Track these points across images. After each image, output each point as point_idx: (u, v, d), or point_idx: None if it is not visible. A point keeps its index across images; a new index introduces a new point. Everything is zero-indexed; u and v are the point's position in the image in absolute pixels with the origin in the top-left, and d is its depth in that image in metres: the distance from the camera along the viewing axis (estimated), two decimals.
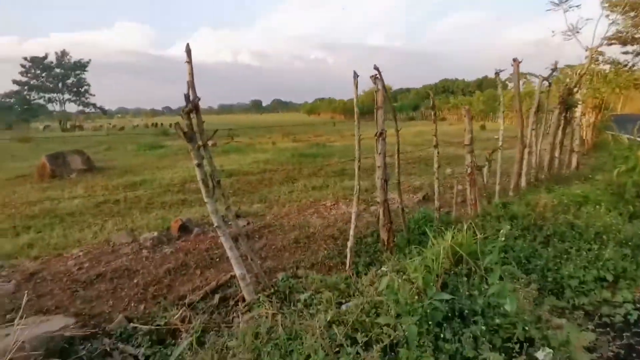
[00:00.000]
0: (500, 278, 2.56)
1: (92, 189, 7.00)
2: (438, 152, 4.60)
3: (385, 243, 4.07)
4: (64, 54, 49.23)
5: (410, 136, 16.55)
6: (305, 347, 2.21)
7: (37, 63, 47.33)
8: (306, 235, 4.31)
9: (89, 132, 36.40)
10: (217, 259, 3.72)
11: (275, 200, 5.95)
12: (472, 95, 45.14)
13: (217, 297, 3.14)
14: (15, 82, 47.00)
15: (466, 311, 2.54)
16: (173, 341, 2.58)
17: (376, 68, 4.16)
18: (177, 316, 2.79)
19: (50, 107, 50.91)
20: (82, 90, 50.96)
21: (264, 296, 3.12)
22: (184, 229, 4.26)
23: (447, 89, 73.01)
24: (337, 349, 2.24)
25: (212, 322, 2.78)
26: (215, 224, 3.07)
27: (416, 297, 2.46)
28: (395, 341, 2.29)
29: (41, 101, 49.35)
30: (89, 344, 2.56)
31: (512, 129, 6.82)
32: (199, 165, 2.94)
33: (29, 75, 47.37)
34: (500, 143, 5.68)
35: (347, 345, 2.22)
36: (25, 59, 47.17)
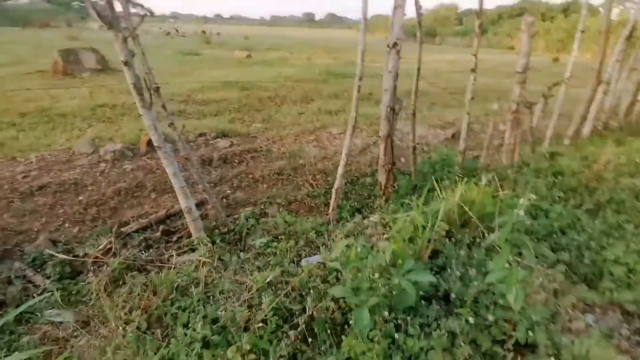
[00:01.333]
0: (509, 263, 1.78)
1: (97, 90, 6.60)
2: (474, 79, 3.51)
3: (382, 187, 3.32)
4: None
5: (462, 63, 14.45)
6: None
7: None
8: (293, 167, 3.65)
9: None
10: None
11: (279, 122, 5.22)
12: (552, 21, 38.53)
13: (160, 228, 2.67)
14: None
15: (453, 296, 1.85)
16: (87, 277, 2.16)
17: None
18: (100, 247, 2.35)
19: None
20: None
21: (212, 236, 2.61)
22: (152, 144, 3.72)
23: (523, 12, 63.22)
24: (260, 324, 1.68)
25: (139, 259, 2.32)
26: (155, 143, 2.44)
27: (383, 270, 1.77)
28: (343, 323, 1.70)
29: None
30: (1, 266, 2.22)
31: (590, 65, 5.28)
32: (127, 64, 2.22)
33: None
34: (567, 75, 4.36)
35: (272, 322, 1.65)
36: None
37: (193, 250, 2.48)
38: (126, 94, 6.48)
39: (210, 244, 2.42)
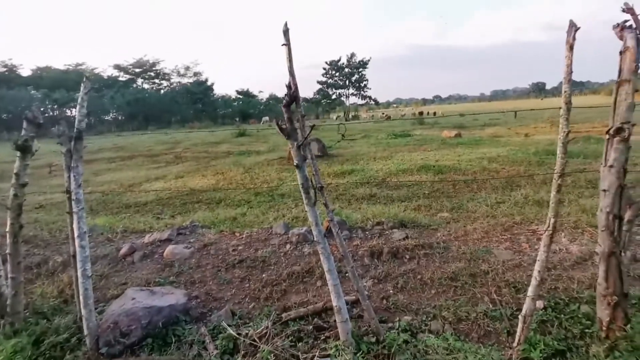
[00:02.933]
0: None
1: (310, 174, 7.86)
2: None
3: (603, 326, 2.25)
4: (352, 55, 59.09)
5: None
6: None
7: (333, 65, 59.23)
8: (473, 272, 3.05)
9: (358, 122, 42.35)
10: (346, 274, 3.19)
11: (469, 212, 4.64)
12: None
13: (314, 321, 2.67)
14: (318, 82, 61.08)
15: None
16: (240, 357, 2.35)
17: (629, 9, 2.28)
18: (258, 330, 2.54)
19: (338, 100, 62.90)
20: (362, 85, 59.72)
21: (360, 343, 2.39)
22: (331, 231, 3.94)
23: None
24: None
25: (286, 351, 2.36)
26: (315, 238, 2.56)
27: None
28: None
29: (334, 96, 61.80)
30: (194, 327, 2.72)
31: None
32: (299, 167, 2.51)
33: (327, 75, 60.14)
34: None
35: None
36: (326, 62, 59.94)
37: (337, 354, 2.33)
38: (333, 177, 7.43)
39: (351, 355, 2.22)
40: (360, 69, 59.23)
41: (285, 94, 2.44)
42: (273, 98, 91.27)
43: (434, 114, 50.41)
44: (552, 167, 6.52)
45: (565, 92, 2.43)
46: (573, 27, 2.38)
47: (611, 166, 2.19)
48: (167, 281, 3.35)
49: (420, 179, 6.62)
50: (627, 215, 2.44)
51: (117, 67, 72.33)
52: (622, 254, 2.29)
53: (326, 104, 64.97)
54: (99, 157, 15.75)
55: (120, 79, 73.51)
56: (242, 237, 4.14)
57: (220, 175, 8.65)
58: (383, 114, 58.27)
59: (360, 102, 63.81)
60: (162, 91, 76.69)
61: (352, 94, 60.90)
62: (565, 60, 2.34)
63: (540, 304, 2.65)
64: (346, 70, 59.23)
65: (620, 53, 2.23)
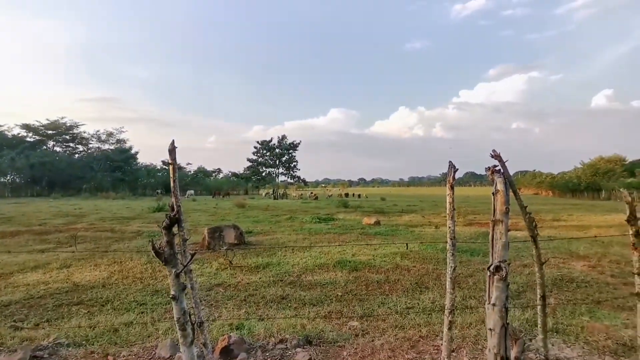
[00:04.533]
0: None
1: (221, 266, 7.29)
2: None
3: None
4: (283, 137, 61.92)
5: None
6: None
7: (264, 145, 61.13)
8: None
9: (288, 201, 42.75)
10: None
11: (379, 321, 4.49)
12: None
13: None
14: (249, 159, 61.98)
15: None
16: None
17: (496, 156, 2.58)
18: None
19: (268, 178, 63.78)
20: (292, 165, 61.83)
21: None
22: (229, 352, 3.45)
23: None
24: None
25: None
26: None
27: None
28: None
29: (264, 174, 62.65)
30: None
31: None
32: (175, 299, 2.16)
33: (258, 154, 61.52)
34: None
35: None
36: (258, 142, 61.74)
37: None
38: (246, 272, 6.94)
39: None
40: (291, 150, 61.80)
41: (167, 215, 2.19)
42: (201, 171, 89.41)
43: (359, 195, 53.34)
44: (459, 265, 6.79)
45: (449, 228, 2.54)
46: (452, 168, 2.59)
47: (494, 304, 2.23)
48: None
49: (335, 277, 6.46)
50: (513, 352, 2.47)
51: (26, 126, 66.07)
52: None
53: (256, 180, 65.38)
54: None
55: (28, 139, 66.78)
56: (120, 357, 3.40)
57: (116, 265, 7.58)
58: (312, 193, 60.02)
59: (290, 180, 65.38)
60: (76, 156, 70.80)
61: (282, 173, 62.44)
62: (447, 198, 2.49)
63: None
64: (277, 150, 61.36)
65: (493, 194, 2.44)
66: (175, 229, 2.23)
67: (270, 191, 60.34)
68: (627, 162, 56.57)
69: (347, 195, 53.63)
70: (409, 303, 5.11)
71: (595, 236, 8.99)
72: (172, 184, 2.29)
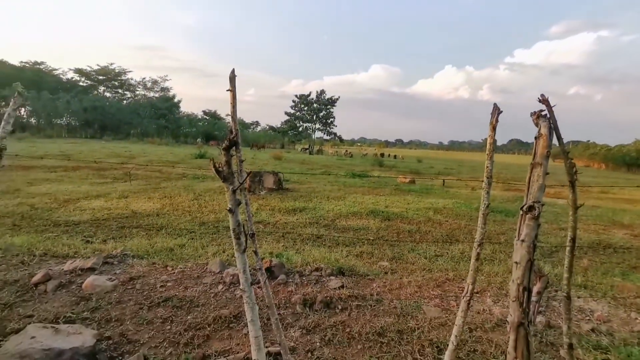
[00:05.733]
0: None
1: (262, 207, 7.77)
2: None
3: None
4: (322, 92, 60.93)
5: None
6: None
7: (303, 100, 60.66)
8: (400, 329, 3.08)
9: (323, 157, 43.03)
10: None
11: (408, 263, 4.76)
12: None
13: None
14: (286, 113, 62.05)
15: None
16: None
17: (544, 100, 2.57)
18: None
19: (305, 133, 63.97)
20: (329, 121, 61.32)
21: None
22: (270, 272, 3.88)
23: None
24: None
25: None
26: (241, 286, 2.48)
27: None
28: None
29: (301, 129, 62.81)
30: None
31: None
32: (231, 212, 2.47)
33: (296, 108, 61.32)
34: None
35: None
36: (296, 96, 61.32)
37: None
38: (284, 213, 7.37)
39: None
40: (329, 106, 61.00)
41: (226, 137, 2.44)
42: (240, 123, 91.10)
43: (395, 156, 52.53)
44: (491, 223, 6.86)
45: (487, 167, 2.63)
46: (497, 111, 2.63)
47: (523, 240, 2.36)
48: (79, 317, 3.07)
49: (367, 224, 6.74)
50: (536, 287, 2.62)
51: (79, 71, 69.37)
52: (531, 325, 2.42)
53: (292, 135, 65.81)
54: (39, 164, 14.64)
55: (81, 83, 70.33)
56: (174, 273, 3.93)
57: (167, 199, 8.30)
58: (347, 151, 59.84)
59: (326, 137, 65.18)
60: (124, 102, 74.03)
61: (319, 129, 62.19)
62: (488, 139, 2.56)
63: None
64: (315, 105, 60.75)
65: (536, 138, 2.48)
66: (233, 151, 2.49)
67: (306, 146, 60.78)
68: None
69: (382, 155, 52.92)
70: (438, 252, 5.31)
71: None
72: (231, 110, 2.53)
